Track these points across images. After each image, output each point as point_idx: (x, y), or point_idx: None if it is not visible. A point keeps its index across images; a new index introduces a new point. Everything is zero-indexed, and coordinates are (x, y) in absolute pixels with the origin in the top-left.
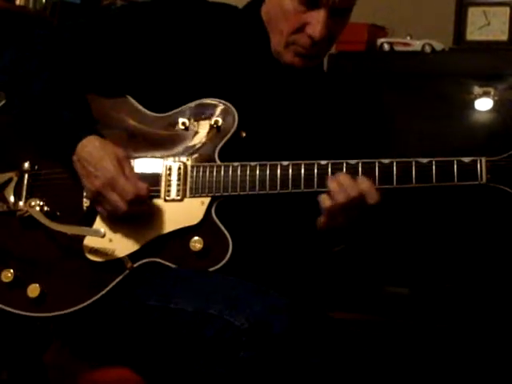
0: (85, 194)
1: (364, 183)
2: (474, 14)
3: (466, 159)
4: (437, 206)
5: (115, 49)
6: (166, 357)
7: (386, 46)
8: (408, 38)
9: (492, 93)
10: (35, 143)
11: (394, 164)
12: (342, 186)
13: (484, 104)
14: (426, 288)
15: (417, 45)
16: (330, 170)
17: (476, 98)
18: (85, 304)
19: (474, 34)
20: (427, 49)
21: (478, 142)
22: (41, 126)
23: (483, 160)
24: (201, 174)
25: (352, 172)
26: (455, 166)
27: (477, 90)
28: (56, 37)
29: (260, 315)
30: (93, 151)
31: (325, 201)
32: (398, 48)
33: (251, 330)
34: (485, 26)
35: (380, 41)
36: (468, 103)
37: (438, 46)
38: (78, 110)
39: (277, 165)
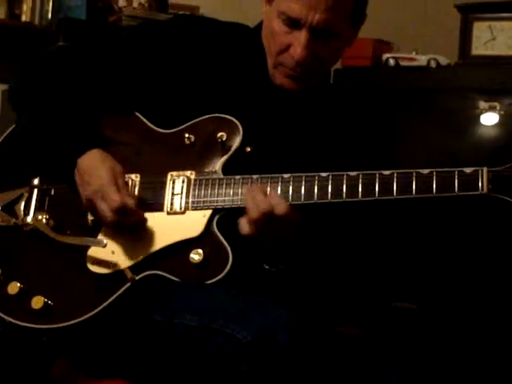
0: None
1: (272, 196)
2: (480, 29)
3: (468, 169)
4: (442, 222)
5: (124, 68)
6: (169, 371)
7: (392, 61)
8: (413, 53)
9: (498, 107)
10: (43, 160)
11: (395, 175)
12: (255, 200)
13: (490, 119)
14: (433, 304)
15: (422, 60)
16: (330, 181)
17: (482, 112)
18: (88, 316)
19: (479, 48)
20: (433, 64)
21: (483, 157)
22: (46, 143)
23: (484, 170)
24: (203, 187)
25: (352, 183)
26: (456, 177)
27: (482, 104)
28: (66, 56)
29: (262, 328)
30: (91, 162)
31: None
32: (403, 63)
33: (253, 343)
34: (490, 40)
35: (385, 56)
36: (474, 118)
37: (444, 61)
38: (84, 127)
39: (278, 178)
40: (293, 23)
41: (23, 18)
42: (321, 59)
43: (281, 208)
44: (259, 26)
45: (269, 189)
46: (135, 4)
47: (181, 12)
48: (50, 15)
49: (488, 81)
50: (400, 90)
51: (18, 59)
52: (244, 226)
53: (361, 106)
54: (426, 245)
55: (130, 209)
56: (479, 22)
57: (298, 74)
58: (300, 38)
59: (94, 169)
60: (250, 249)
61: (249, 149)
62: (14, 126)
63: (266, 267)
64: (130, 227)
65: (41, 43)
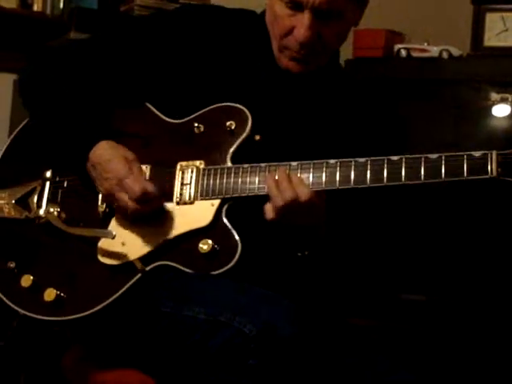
0: (100, 199)
1: (296, 183)
2: (492, 20)
3: (477, 153)
4: (452, 214)
5: (133, 59)
6: (177, 362)
7: (404, 52)
8: (425, 43)
9: (510, 99)
10: (54, 154)
11: (403, 160)
12: (279, 188)
13: (501, 110)
14: (442, 295)
15: (434, 51)
16: (338, 168)
17: (493, 104)
18: (99, 307)
19: (491, 39)
20: (445, 55)
21: (495, 148)
22: (56, 138)
23: (494, 153)
24: (212, 176)
25: (361, 170)
26: (465, 161)
27: (494, 96)
28: (74, 49)
29: (268, 322)
30: (103, 154)
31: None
32: (415, 54)
33: (259, 336)
34: (503, 31)
35: (397, 47)
36: (485, 109)
37: (456, 52)
38: (92, 120)
39: (286, 166)
40: (295, 5)
41: (35, 8)
42: (324, 40)
43: (305, 194)
44: (265, 11)
45: (292, 175)
46: None
47: (192, 2)
48: (61, 5)
49: (500, 72)
50: (412, 80)
51: (30, 49)
52: (269, 211)
53: (371, 93)
54: (434, 234)
55: (151, 195)
56: (492, 12)
57: (302, 56)
58: (303, 19)
59: (107, 162)
60: (261, 237)
61: (258, 137)
62: (26, 120)
63: (299, 254)
64: (150, 215)
65: (52, 33)
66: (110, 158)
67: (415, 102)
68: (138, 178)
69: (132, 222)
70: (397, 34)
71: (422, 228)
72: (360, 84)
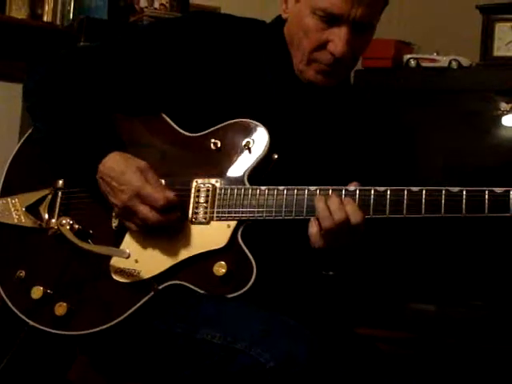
0: (113, 213)
1: (349, 204)
2: (501, 30)
3: (498, 190)
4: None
5: (143, 68)
6: (189, 381)
7: (413, 62)
8: (435, 54)
9: None
10: (62, 165)
11: (423, 192)
12: (329, 209)
13: (511, 120)
14: (452, 305)
15: (443, 61)
16: (357, 196)
17: (503, 114)
18: (110, 325)
19: (501, 49)
20: (454, 65)
21: (505, 159)
22: (64, 149)
23: None
24: (228, 196)
25: (382, 199)
26: (486, 197)
27: (504, 105)
28: (84, 57)
29: (286, 353)
30: (114, 166)
31: (312, 225)
32: (424, 64)
33: (276, 369)
34: None
35: (406, 57)
36: (495, 119)
37: (465, 62)
38: (100, 131)
39: (304, 189)
40: (332, 19)
41: (45, 19)
42: (355, 53)
43: (357, 217)
44: (277, 21)
45: (343, 197)
46: (156, 4)
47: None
48: (71, 15)
49: (509, 82)
50: (421, 91)
51: (38, 59)
52: (316, 237)
53: (383, 109)
54: (444, 243)
55: (173, 202)
56: (501, 22)
57: (334, 69)
58: (340, 33)
59: (121, 174)
60: (276, 260)
61: (276, 156)
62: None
63: (324, 273)
64: (165, 233)
65: (62, 43)
66: (123, 171)
67: (424, 112)
68: (158, 186)
69: (146, 238)
70: (406, 44)
71: (431, 237)
72: (370, 97)
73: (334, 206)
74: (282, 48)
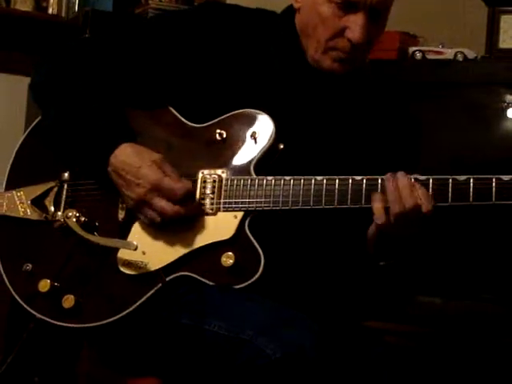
0: (120, 205)
1: (422, 193)
2: (507, 22)
3: (506, 177)
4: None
5: (151, 59)
6: (196, 374)
7: (418, 55)
8: (440, 46)
9: None
10: (71, 156)
11: (430, 181)
12: (400, 195)
13: None
14: (459, 298)
15: (449, 53)
16: (364, 186)
17: (508, 106)
18: (117, 317)
19: (506, 41)
20: (459, 57)
21: (510, 151)
22: (74, 140)
23: None
24: (235, 187)
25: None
26: (493, 184)
27: (509, 98)
28: (92, 49)
29: (292, 345)
30: (127, 159)
31: (379, 212)
32: (429, 56)
33: (282, 360)
34: None
35: (412, 49)
36: (500, 112)
37: (471, 55)
38: (111, 122)
39: (311, 179)
40: (349, 5)
41: (50, 11)
42: (370, 39)
43: (428, 206)
44: (288, 11)
45: (417, 185)
46: None
47: None
48: (76, 7)
49: None
50: (426, 83)
51: (45, 52)
52: (381, 215)
53: (396, 96)
54: (451, 237)
55: (191, 191)
56: (506, 15)
57: (351, 56)
58: (357, 20)
59: (136, 167)
60: (285, 250)
61: (282, 146)
62: (40, 117)
63: (381, 263)
64: (172, 225)
65: (68, 36)
66: (137, 164)
67: (430, 105)
68: (176, 178)
69: (153, 230)
70: (411, 36)
71: (439, 229)
72: (386, 85)
73: (404, 191)
74: (292, 38)
